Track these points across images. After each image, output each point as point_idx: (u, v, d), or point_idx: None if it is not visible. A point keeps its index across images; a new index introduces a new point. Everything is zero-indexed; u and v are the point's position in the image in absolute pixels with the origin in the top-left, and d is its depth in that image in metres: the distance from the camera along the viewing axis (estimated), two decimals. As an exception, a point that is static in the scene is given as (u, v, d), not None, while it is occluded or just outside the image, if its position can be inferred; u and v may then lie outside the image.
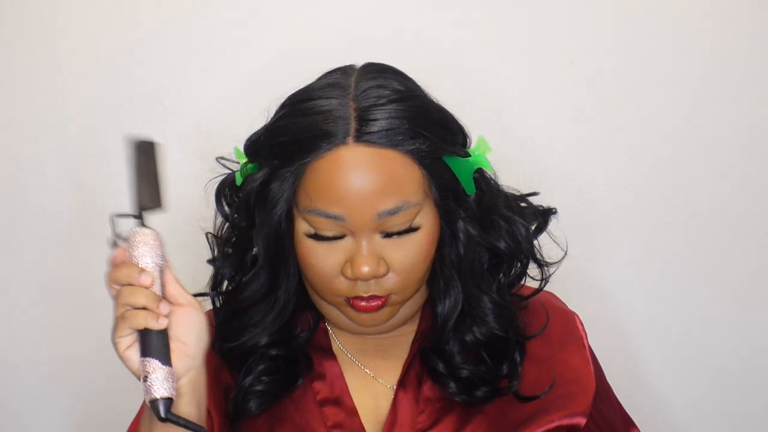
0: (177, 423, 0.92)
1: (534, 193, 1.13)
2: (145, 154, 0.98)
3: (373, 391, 1.11)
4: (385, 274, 1.00)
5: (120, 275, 0.93)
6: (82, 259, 1.55)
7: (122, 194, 1.52)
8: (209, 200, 1.10)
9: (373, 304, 1.02)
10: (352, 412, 1.09)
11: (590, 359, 1.13)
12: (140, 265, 0.93)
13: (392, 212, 0.97)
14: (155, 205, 0.97)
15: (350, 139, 0.96)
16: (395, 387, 1.09)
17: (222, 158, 1.10)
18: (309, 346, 1.12)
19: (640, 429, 1.19)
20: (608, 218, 1.59)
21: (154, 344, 0.92)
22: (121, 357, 0.93)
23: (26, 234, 1.54)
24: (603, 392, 1.14)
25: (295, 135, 0.98)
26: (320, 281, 1.02)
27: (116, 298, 0.93)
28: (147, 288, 0.92)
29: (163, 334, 0.93)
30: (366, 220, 0.97)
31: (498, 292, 1.07)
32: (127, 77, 1.50)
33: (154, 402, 0.91)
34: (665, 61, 1.55)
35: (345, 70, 1.04)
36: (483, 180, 1.05)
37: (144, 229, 0.96)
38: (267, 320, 1.06)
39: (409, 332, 1.12)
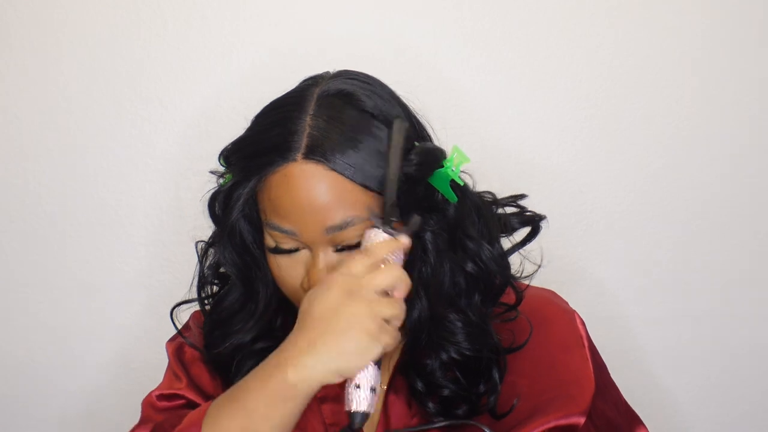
0: None
1: (522, 196, 1.12)
2: (404, 155, 0.97)
3: None
4: None
5: (401, 282, 0.92)
6: (81, 260, 1.55)
7: (122, 193, 1.54)
8: (206, 210, 1.10)
9: None
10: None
11: (590, 358, 1.12)
12: None
13: (341, 227, 0.97)
14: (395, 217, 0.96)
15: (299, 155, 0.96)
16: (385, 390, 1.10)
17: (214, 171, 1.10)
18: None
19: (648, 427, 1.18)
20: (608, 218, 1.59)
21: (378, 360, 0.92)
22: (356, 359, 0.90)
23: (25, 234, 1.54)
24: (605, 391, 1.13)
25: (253, 148, 0.99)
26: (286, 292, 1.04)
27: (376, 299, 0.91)
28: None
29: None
30: (316, 235, 0.97)
31: (474, 311, 1.06)
32: (127, 77, 1.50)
33: (356, 413, 0.91)
34: (665, 61, 1.55)
35: (315, 80, 1.04)
36: (458, 190, 1.04)
37: (404, 238, 0.95)
38: (248, 326, 1.08)
39: (402, 335, 1.12)
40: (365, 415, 0.92)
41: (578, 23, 1.53)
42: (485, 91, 1.53)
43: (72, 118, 1.51)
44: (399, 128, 0.97)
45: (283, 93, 1.04)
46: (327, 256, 0.99)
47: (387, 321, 0.91)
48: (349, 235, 0.98)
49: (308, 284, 1.00)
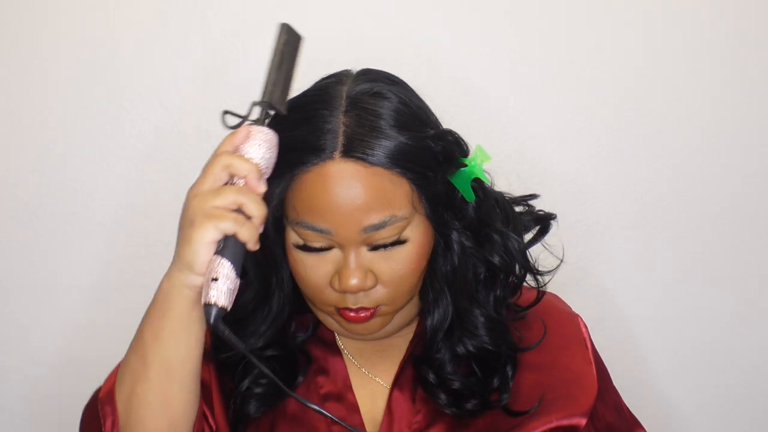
0: (222, 333, 0.91)
1: (534, 196, 1.13)
2: (292, 48, 0.98)
3: (371, 390, 1.11)
4: (372, 287, 1.00)
5: (241, 167, 0.91)
6: (80, 260, 1.55)
7: (122, 194, 1.53)
8: None
9: (362, 315, 1.01)
10: (354, 408, 1.10)
11: (593, 360, 1.13)
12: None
13: (378, 227, 0.97)
14: (281, 108, 0.96)
15: (337, 154, 0.96)
16: (390, 386, 1.10)
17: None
18: (313, 341, 1.13)
19: (647, 430, 1.19)
20: (608, 218, 1.59)
21: (237, 252, 0.90)
22: (195, 243, 0.90)
23: (25, 234, 1.54)
24: (606, 395, 1.14)
25: (284, 147, 0.98)
26: (310, 291, 1.03)
27: (221, 186, 0.90)
28: (259, 196, 0.91)
29: (244, 248, 0.91)
30: (352, 234, 0.97)
31: (494, 305, 1.07)
32: (127, 77, 1.50)
33: (209, 306, 0.89)
34: (666, 61, 1.55)
35: (339, 78, 1.03)
36: (480, 188, 1.05)
37: (268, 129, 0.93)
38: (261, 329, 1.07)
39: (407, 333, 1.13)
40: (221, 310, 0.90)
41: (579, 23, 1.53)
42: (485, 91, 1.53)
43: (72, 118, 1.51)
44: (292, 41, 0.98)
45: (299, 90, 1.03)
46: (359, 255, 0.98)
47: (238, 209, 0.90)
48: (384, 235, 0.97)
49: (339, 284, 0.99)
